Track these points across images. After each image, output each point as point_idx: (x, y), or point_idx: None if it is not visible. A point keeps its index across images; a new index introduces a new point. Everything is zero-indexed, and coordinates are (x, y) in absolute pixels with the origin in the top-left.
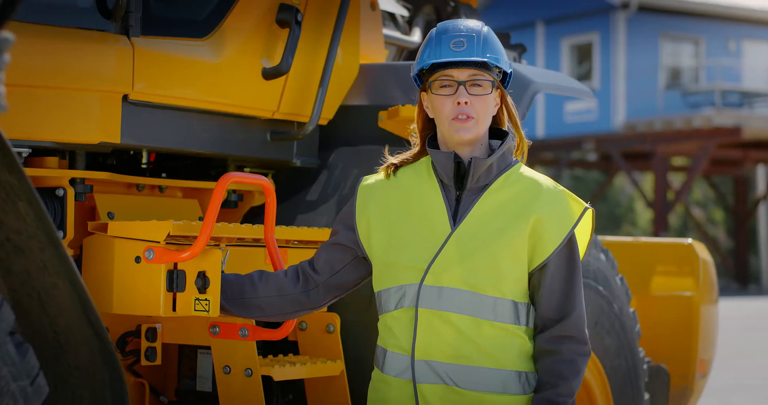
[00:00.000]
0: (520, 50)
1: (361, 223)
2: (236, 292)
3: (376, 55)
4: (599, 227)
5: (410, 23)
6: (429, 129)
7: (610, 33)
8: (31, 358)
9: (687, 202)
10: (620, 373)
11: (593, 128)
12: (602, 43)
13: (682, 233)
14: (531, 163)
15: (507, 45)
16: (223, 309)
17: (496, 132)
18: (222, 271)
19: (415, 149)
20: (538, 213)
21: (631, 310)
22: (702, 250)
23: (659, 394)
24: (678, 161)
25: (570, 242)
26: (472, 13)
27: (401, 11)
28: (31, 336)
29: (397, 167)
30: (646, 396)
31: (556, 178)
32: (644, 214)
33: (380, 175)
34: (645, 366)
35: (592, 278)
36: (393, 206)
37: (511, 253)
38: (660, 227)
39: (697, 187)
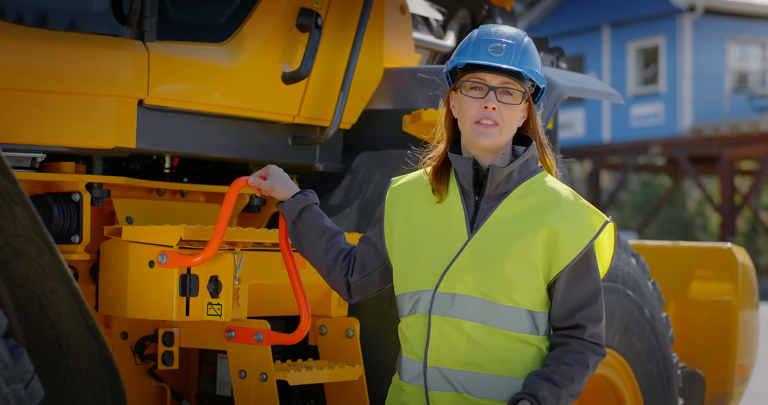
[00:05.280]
0: (558, 54)
1: (387, 225)
2: (305, 229)
3: (406, 59)
4: (669, 232)
5: (444, 27)
6: (453, 131)
7: (677, 36)
8: (25, 362)
9: (755, 206)
10: (652, 377)
11: (660, 132)
12: (668, 46)
13: (750, 237)
14: (598, 168)
15: (545, 49)
16: (290, 227)
17: (523, 138)
18: (317, 204)
19: (439, 149)
20: (552, 223)
21: (664, 314)
22: (742, 255)
23: (694, 400)
24: (745, 165)
25: (588, 254)
26: (507, 16)
27: (435, 15)
28: (33, 340)
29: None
30: (681, 401)
31: (624, 182)
32: (713, 219)
33: (409, 177)
34: (679, 371)
35: (622, 283)
36: (416, 210)
37: (524, 262)
38: (727, 232)
39: (765, 190)
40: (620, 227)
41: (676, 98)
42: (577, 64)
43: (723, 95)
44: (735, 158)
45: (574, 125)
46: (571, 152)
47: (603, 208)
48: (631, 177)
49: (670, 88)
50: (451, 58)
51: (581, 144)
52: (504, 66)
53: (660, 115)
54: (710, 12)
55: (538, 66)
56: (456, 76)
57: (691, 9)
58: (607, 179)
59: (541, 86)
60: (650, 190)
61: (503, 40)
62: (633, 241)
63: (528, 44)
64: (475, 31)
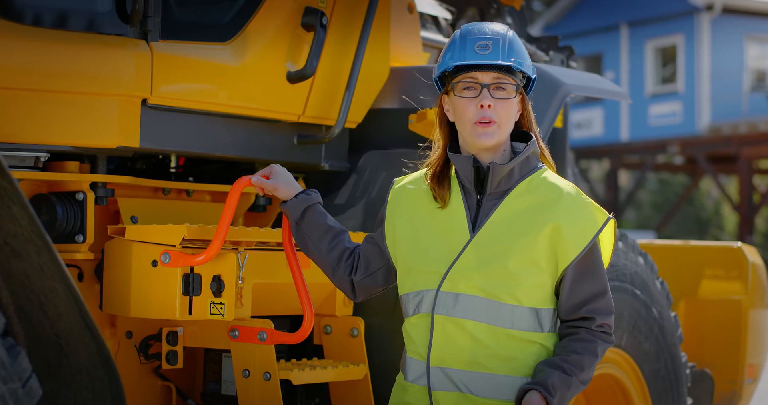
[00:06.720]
0: (567, 53)
1: (388, 226)
2: (309, 228)
3: (414, 58)
4: (688, 231)
5: (453, 26)
6: (449, 134)
7: (695, 35)
8: (23, 361)
9: None
10: (660, 377)
11: (678, 131)
12: (687, 45)
13: None
14: (616, 167)
15: (555, 48)
16: (294, 227)
17: (521, 135)
18: (320, 203)
19: (437, 154)
20: (556, 220)
21: (673, 314)
22: (752, 254)
23: (703, 399)
24: (764, 164)
25: (593, 249)
26: (516, 15)
27: (444, 14)
28: (33, 339)
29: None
30: (689, 401)
31: (642, 181)
32: (731, 218)
33: (411, 178)
34: (688, 371)
35: (629, 282)
36: (418, 210)
37: (528, 260)
38: (745, 231)
39: None
40: (638, 226)
41: (694, 97)
42: (595, 64)
43: (741, 94)
44: (753, 157)
45: (592, 124)
46: (590, 151)
47: (621, 207)
48: (650, 176)
49: (688, 87)
50: (438, 64)
51: (599, 143)
52: (494, 62)
53: (678, 114)
54: (728, 11)
55: (525, 57)
56: (446, 79)
57: (710, 8)
58: (625, 178)
59: (532, 76)
60: (668, 189)
61: (488, 36)
62: (643, 241)
63: (513, 37)
64: (458, 32)
